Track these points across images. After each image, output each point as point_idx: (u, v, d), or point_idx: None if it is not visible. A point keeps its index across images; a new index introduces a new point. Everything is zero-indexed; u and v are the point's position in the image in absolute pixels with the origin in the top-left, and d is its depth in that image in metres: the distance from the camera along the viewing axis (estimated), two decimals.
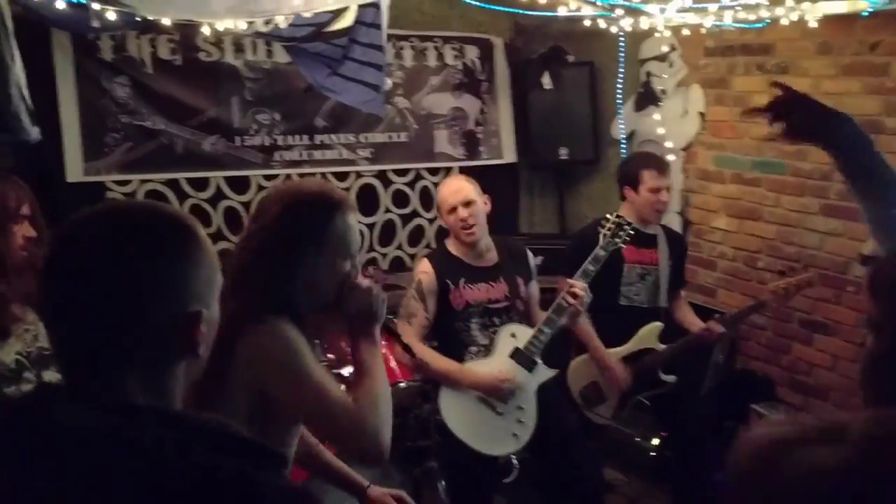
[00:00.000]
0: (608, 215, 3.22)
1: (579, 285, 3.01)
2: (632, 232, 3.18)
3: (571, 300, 2.99)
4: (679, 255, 3.70)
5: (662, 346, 3.49)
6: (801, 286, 3.41)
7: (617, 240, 3.15)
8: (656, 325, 3.50)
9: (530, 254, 3.38)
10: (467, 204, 3.10)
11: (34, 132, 2.41)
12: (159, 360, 1.01)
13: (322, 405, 1.61)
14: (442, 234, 5.05)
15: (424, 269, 3.15)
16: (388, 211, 4.88)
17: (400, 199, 4.90)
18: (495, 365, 3.07)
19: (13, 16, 2.37)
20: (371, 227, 4.83)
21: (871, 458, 0.77)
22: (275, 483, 0.94)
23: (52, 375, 2.29)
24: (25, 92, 2.39)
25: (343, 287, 1.72)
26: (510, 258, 3.26)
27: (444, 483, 3.48)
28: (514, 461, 3.19)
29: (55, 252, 1.01)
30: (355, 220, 1.76)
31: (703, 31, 3.58)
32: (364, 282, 1.75)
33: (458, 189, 3.15)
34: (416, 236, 4.97)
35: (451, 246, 3.23)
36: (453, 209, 3.11)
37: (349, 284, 1.73)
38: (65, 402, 0.95)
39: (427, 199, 4.96)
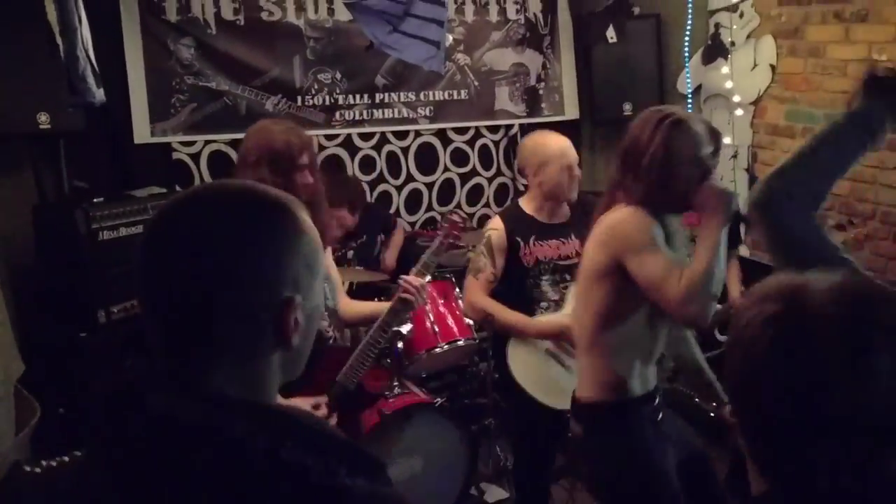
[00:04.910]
0: None
1: None
2: None
3: None
4: None
5: None
6: (859, 240, 3.30)
7: None
8: None
9: None
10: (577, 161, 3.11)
11: (99, 94, 2.47)
12: (251, 350, 0.95)
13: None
14: (500, 192, 5.02)
15: (495, 226, 3.14)
16: (447, 170, 4.87)
17: (459, 157, 4.88)
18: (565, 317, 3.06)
19: None
20: (430, 186, 4.84)
21: None
22: (368, 488, 0.88)
23: None
24: (91, 55, 2.44)
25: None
26: (584, 213, 3.21)
27: (500, 440, 3.51)
28: None
29: (154, 231, 0.96)
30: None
31: None
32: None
33: (570, 146, 3.12)
34: (475, 195, 4.95)
35: (526, 204, 3.20)
36: (569, 166, 3.08)
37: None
38: (158, 390, 0.90)
39: (486, 157, 4.92)
